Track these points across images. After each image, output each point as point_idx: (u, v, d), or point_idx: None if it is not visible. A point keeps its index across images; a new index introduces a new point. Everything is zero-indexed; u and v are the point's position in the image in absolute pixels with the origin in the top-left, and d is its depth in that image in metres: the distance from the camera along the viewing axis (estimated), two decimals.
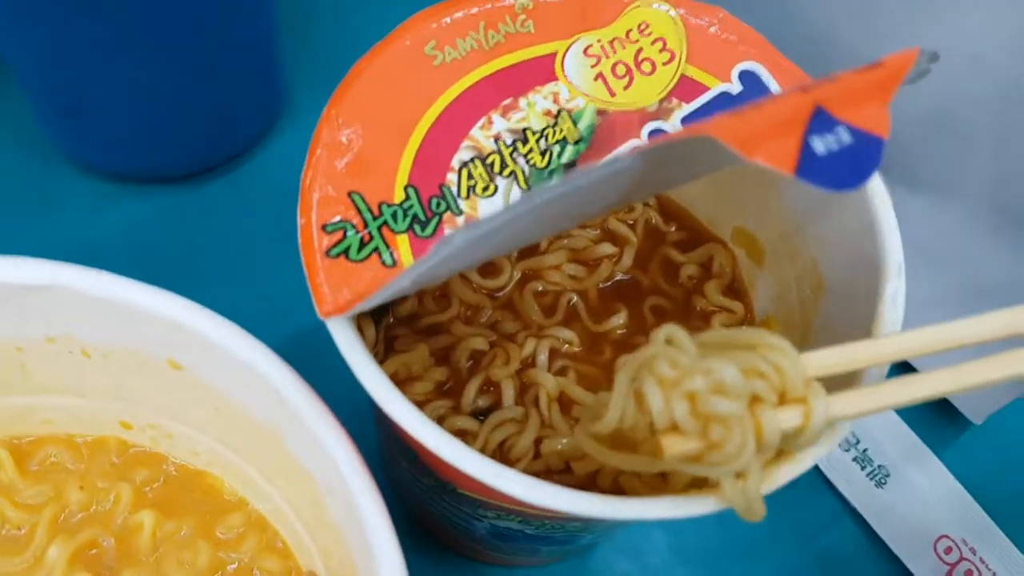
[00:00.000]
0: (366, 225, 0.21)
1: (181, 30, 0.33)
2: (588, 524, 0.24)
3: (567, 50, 0.24)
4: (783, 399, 0.19)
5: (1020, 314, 0.19)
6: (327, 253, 0.20)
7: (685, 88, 0.25)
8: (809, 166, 0.15)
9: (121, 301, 0.22)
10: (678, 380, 0.18)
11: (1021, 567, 0.36)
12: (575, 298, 0.28)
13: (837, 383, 0.20)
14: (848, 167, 0.15)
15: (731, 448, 0.18)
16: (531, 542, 0.27)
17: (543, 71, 0.24)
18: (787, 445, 0.19)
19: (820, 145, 0.15)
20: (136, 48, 0.33)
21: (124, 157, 0.38)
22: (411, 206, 0.22)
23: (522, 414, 0.26)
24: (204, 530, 0.27)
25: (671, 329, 0.19)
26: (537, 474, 0.25)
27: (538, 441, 0.25)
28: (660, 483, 0.23)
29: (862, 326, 0.22)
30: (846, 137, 0.15)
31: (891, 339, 0.20)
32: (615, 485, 0.24)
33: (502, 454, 0.25)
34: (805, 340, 0.26)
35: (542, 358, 0.27)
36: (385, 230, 0.21)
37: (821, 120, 0.15)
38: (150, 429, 0.28)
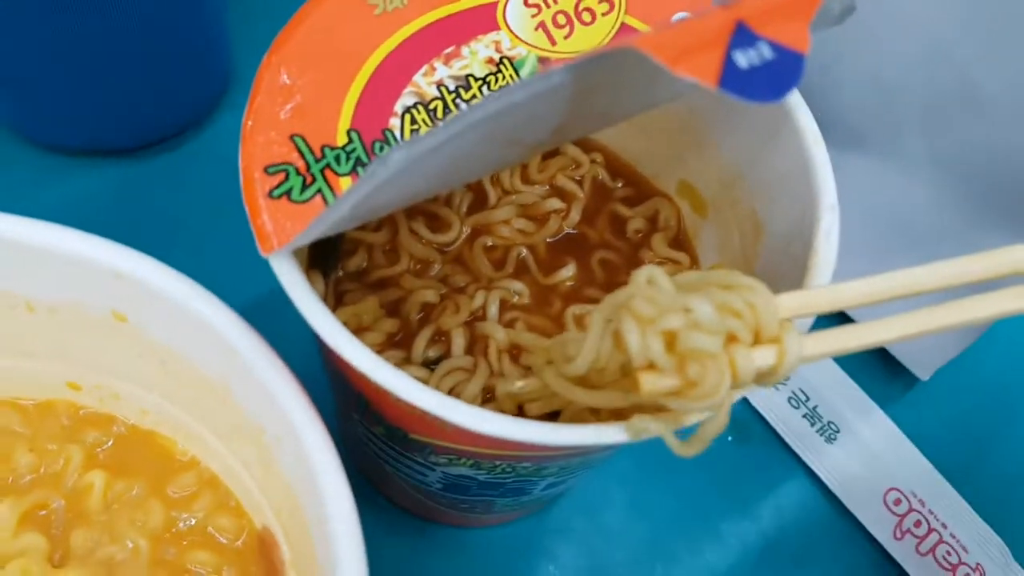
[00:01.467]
0: (308, 167, 0.21)
1: (120, 4, 0.33)
2: (540, 466, 0.24)
3: (508, 0, 0.25)
4: (758, 338, 0.19)
5: (984, 259, 0.20)
6: (269, 194, 0.21)
7: (624, 37, 0.25)
8: (731, 78, 0.15)
9: (60, 250, 0.22)
10: (655, 318, 0.18)
11: (968, 516, 0.37)
12: (524, 251, 0.29)
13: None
14: (769, 80, 0.15)
15: (707, 386, 0.18)
16: (485, 492, 0.27)
17: (485, 20, 0.24)
18: (761, 383, 0.20)
19: (742, 59, 0.15)
20: (73, 18, 0.32)
21: (68, 130, 0.38)
22: (354, 149, 0.22)
23: (471, 363, 0.26)
24: (156, 489, 0.27)
25: (651, 270, 0.19)
26: None
27: (488, 390, 0.26)
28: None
29: (800, 263, 0.23)
30: (767, 52, 0.16)
31: (859, 282, 0.20)
32: None
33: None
34: None
35: (492, 309, 0.27)
36: (328, 172, 0.21)
37: (743, 36, 0.15)
38: (97, 390, 0.27)
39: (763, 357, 0.19)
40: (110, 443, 0.28)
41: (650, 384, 0.19)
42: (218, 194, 0.38)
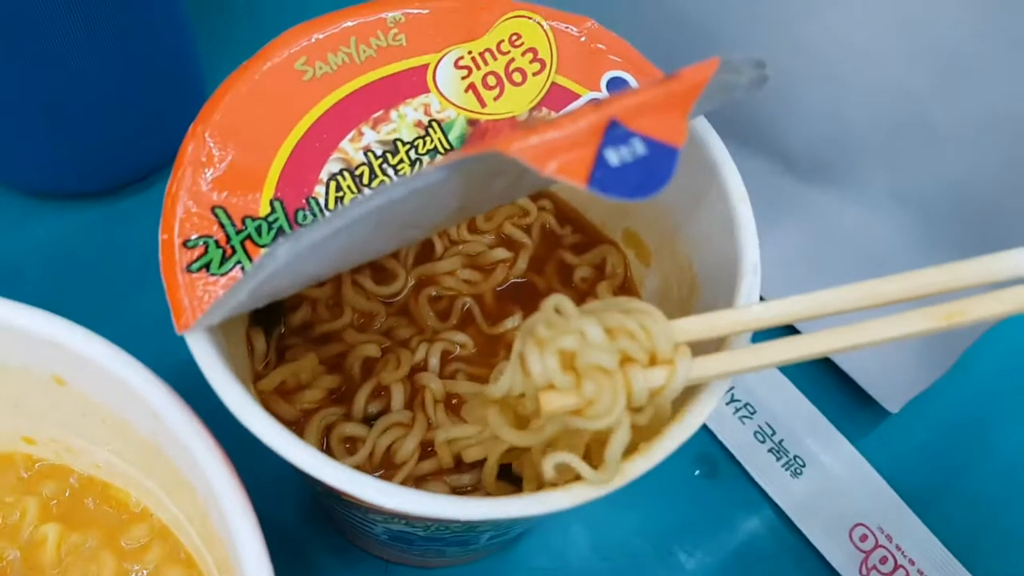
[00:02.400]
0: (228, 239, 0.22)
1: (89, 46, 0.33)
2: (472, 525, 0.25)
3: (438, 62, 0.25)
4: (653, 360, 0.20)
5: (878, 285, 0.21)
6: (187, 268, 0.21)
7: (555, 97, 0.25)
8: (602, 177, 0.15)
9: (1, 321, 0.23)
10: (552, 339, 0.20)
11: (937, 552, 0.37)
12: (469, 302, 0.29)
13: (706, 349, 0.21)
14: (641, 177, 0.16)
15: (603, 403, 0.19)
16: (430, 544, 0.28)
17: (415, 83, 0.25)
18: (651, 403, 0.21)
19: (614, 156, 0.16)
20: (42, 65, 0.33)
21: (34, 174, 0.38)
22: (276, 219, 0.22)
23: (409, 417, 0.26)
24: (109, 541, 0.28)
25: (558, 299, 0.21)
26: (426, 475, 0.25)
27: (428, 444, 0.26)
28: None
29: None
30: (640, 148, 0.16)
31: (751, 308, 0.21)
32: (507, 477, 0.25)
33: (388, 457, 0.26)
34: None
35: (433, 361, 0.27)
36: (248, 243, 0.22)
37: (616, 133, 0.16)
38: (52, 443, 0.28)
39: (655, 377, 0.20)
40: (67, 494, 0.29)
41: (550, 403, 0.20)
42: None
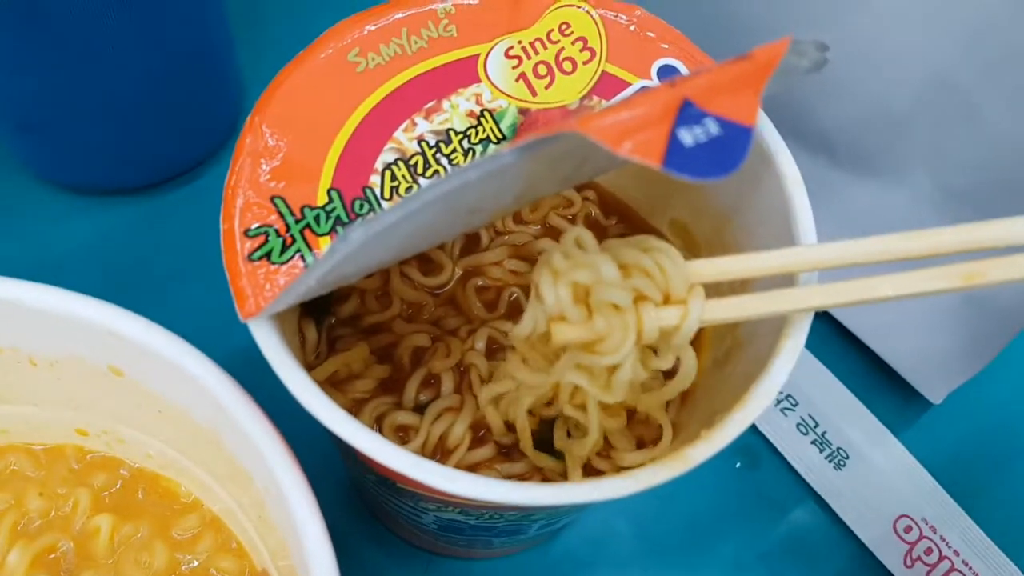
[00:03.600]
0: (288, 228, 0.22)
1: (134, 45, 0.34)
2: (527, 513, 0.25)
3: (489, 52, 0.25)
4: (667, 299, 0.20)
5: (899, 240, 0.20)
6: (248, 257, 0.21)
7: (606, 85, 0.25)
8: (676, 157, 0.15)
9: (59, 312, 0.23)
10: (567, 270, 0.20)
11: (982, 543, 0.37)
12: (517, 292, 0.29)
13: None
14: (716, 157, 0.16)
15: (614, 340, 0.20)
16: (479, 533, 0.28)
17: (466, 73, 0.25)
18: (668, 345, 0.21)
19: (688, 137, 0.15)
20: (91, 64, 0.34)
21: (85, 170, 0.39)
22: (334, 208, 0.22)
23: (458, 401, 0.26)
24: (161, 531, 0.28)
25: (579, 231, 0.21)
26: (478, 463, 0.25)
27: (480, 427, 0.26)
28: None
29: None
30: (714, 128, 0.16)
31: (768, 253, 0.21)
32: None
33: (440, 444, 0.26)
34: (735, 328, 0.26)
35: (479, 344, 0.27)
36: (308, 232, 0.22)
37: (689, 113, 0.16)
38: (104, 435, 0.28)
39: (668, 316, 0.20)
40: (118, 486, 0.29)
41: (560, 334, 0.20)
42: None
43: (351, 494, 0.35)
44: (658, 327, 0.20)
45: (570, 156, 0.19)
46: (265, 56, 0.42)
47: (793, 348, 0.21)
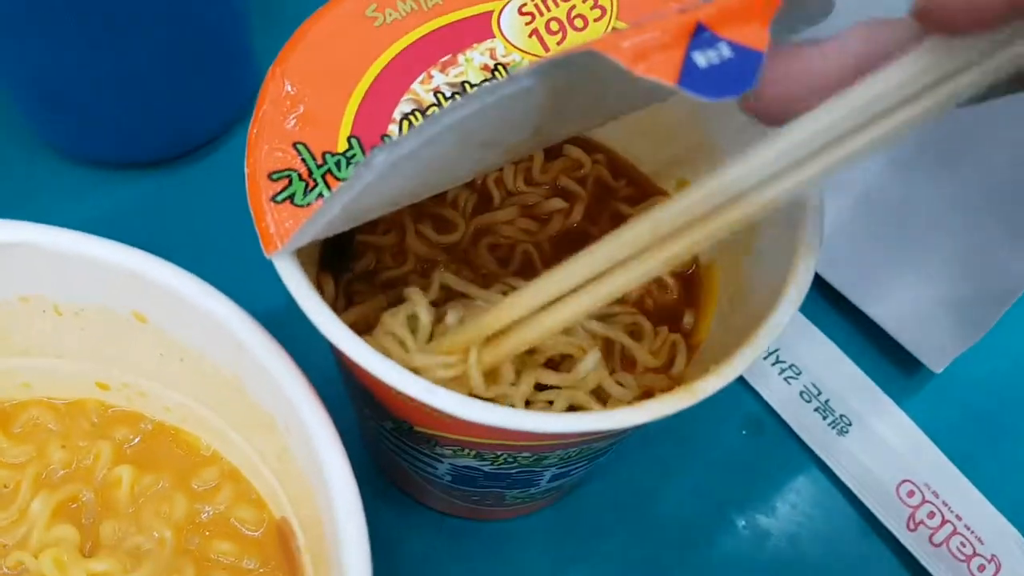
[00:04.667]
0: (311, 172, 0.22)
1: (153, 18, 0.35)
2: (540, 456, 0.25)
3: (503, 8, 0.26)
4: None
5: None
6: (273, 199, 0.22)
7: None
8: (691, 77, 0.16)
9: (83, 255, 0.24)
10: None
11: (983, 507, 0.37)
12: (529, 247, 0.30)
13: None
14: (728, 77, 0.16)
15: None
16: (492, 484, 0.28)
17: (480, 29, 0.26)
18: None
19: (702, 59, 0.16)
20: (110, 37, 0.34)
21: (104, 144, 0.40)
22: (354, 155, 0.23)
23: None
24: (181, 483, 0.29)
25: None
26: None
27: None
28: None
29: (788, 252, 0.24)
30: (727, 52, 0.16)
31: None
32: None
33: None
34: (739, 277, 0.27)
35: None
36: (329, 177, 0.23)
37: (702, 37, 0.16)
38: (124, 388, 0.29)
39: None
40: (137, 439, 0.30)
41: None
42: (244, 202, 0.40)
43: (365, 459, 0.36)
44: None
45: (586, 87, 0.19)
46: (282, 29, 0.43)
47: (797, 284, 0.22)
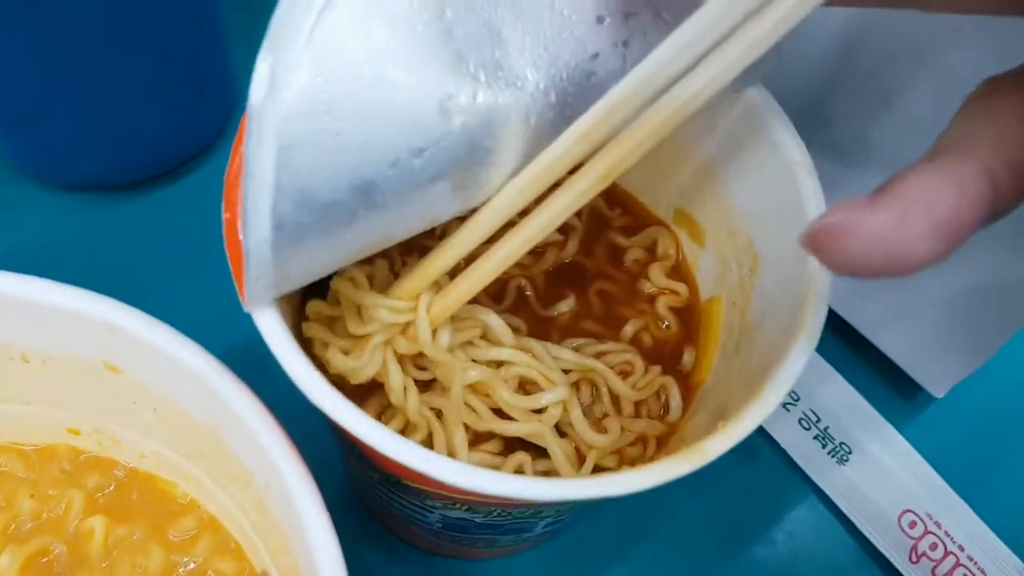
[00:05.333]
0: None
1: (124, 41, 0.33)
2: (537, 510, 0.24)
3: None
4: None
5: None
6: None
7: None
8: None
9: (53, 305, 0.22)
10: None
11: (987, 537, 0.37)
12: (524, 282, 0.28)
13: None
14: None
15: None
16: (485, 531, 0.27)
17: None
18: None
19: None
20: (79, 60, 0.33)
21: (78, 167, 0.38)
22: None
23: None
24: (156, 533, 0.27)
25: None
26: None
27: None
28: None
29: (796, 295, 0.23)
30: None
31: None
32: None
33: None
34: (744, 316, 0.26)
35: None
36: None
37: None
38: (96, 434, 0.27)
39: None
40: (111, 487, 0.28)
41: None
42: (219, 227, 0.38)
43: (350, 496, 0.34)
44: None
45: None
46: (254, 54, 0.42)
47: (808, 336, 0.21)
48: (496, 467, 0.24)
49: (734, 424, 0.20)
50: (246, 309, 0.20)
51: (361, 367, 0.23)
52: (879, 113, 0.35)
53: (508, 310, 0.28)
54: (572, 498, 0.19)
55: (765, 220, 0.25)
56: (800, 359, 0.21)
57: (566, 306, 0.28)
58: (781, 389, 0.20)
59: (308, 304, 0.24)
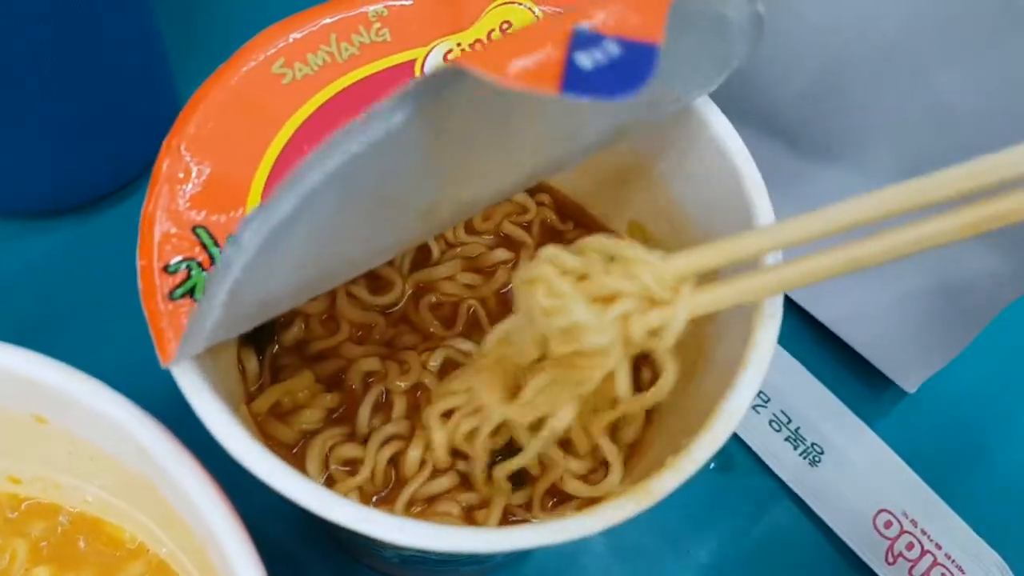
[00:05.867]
0: (213, 261, 0.20)
1: (53, 62, 0.32)
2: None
3: (426, 57, 0.23)
4: (653, 302, 0.20)
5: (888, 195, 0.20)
6: (169, 295, 0.19)
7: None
8: (576, 81, 0.14)
9: None
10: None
11: (964, 534, 0.36)
12: (475, 305, 0.27)
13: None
14: (622, 77, 0.14)
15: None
16: (443, 566, 0.26)
17: (403, 80, 0.23)
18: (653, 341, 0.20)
19: (586, 61, 0.15)
20: (4, 81, 0.31)
21: (7, 193, 0.37)
22: None
23: (408, 428, 0.25)
24: None
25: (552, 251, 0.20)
26: (437, 495, 0.24)
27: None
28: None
29: (747, 314, 0.22)
30: (615, 49, 0.15)
31: (754, 234, 0.21)
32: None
33: (394, 474, 0.24)
34: (698, 342, 0.25)
35: (433, 363, 0.26)
36: None
37: (583, 38, 0.15)
38: (38, 481, 0.26)
39: (654, 320, 0.20)
40: (58, 532, 0.27)
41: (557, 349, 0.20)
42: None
43: (313, 522, 0.33)
44: (645, 331, 0.20)
45: (480, 127, 0.17)
46: (198, 69, 0.40)
47: (757, 365, 0.20)
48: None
49: (684, 457, 0.20)
50: (164, 366, 0.19)
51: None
52: (830, 104, 0.34)
53: (461, 335, 0.27)
54: (523, 547, 0.18)
55: (718, 233, 0.24)
56: (749, 387, 0.20)
57: None
58: (731, 419, 0.20)
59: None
